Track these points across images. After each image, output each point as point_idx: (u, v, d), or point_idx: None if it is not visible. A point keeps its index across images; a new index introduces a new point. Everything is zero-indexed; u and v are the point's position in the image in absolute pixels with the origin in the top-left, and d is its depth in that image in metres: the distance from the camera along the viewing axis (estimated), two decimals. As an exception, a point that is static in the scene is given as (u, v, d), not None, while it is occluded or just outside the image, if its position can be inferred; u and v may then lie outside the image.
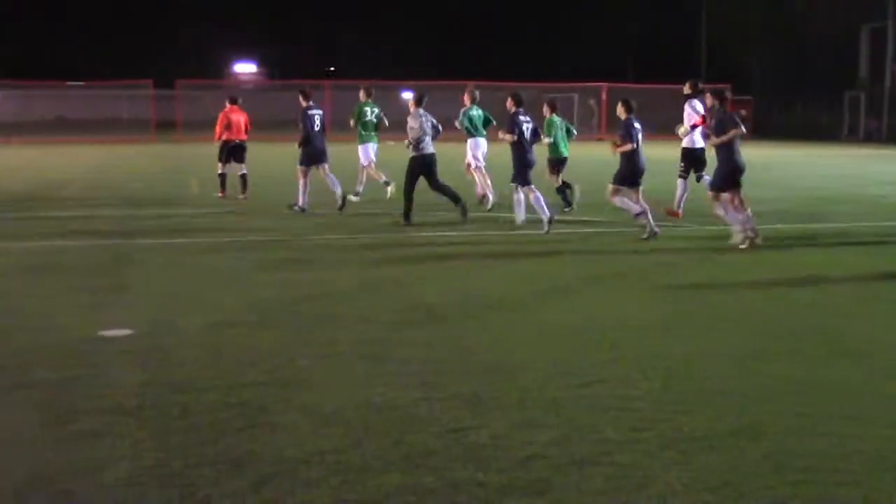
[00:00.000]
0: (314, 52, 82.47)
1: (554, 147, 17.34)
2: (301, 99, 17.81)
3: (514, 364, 7.22)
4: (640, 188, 14.22)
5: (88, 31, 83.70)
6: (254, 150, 18.15)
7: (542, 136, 15.86)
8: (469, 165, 17.94)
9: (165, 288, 10.24)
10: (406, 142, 15.67)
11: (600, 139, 48.49)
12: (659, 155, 25.89)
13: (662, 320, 8.80)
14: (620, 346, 7.80)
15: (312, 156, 17.31)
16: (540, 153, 15.81)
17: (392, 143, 24.97)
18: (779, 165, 32.80)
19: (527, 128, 14.99)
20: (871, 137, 55.64)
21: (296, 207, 17.20)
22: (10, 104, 60.73)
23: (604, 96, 52.84)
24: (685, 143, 16.18)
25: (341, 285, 10.41)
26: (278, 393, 6.47)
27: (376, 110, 18.91)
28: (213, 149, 20.09)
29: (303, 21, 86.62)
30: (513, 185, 15.20)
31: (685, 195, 16.43)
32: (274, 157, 27.90)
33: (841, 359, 7.54)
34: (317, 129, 17.37)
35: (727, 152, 13.07)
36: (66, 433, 5.69)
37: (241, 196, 19.17)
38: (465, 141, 17.97)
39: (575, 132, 17.93)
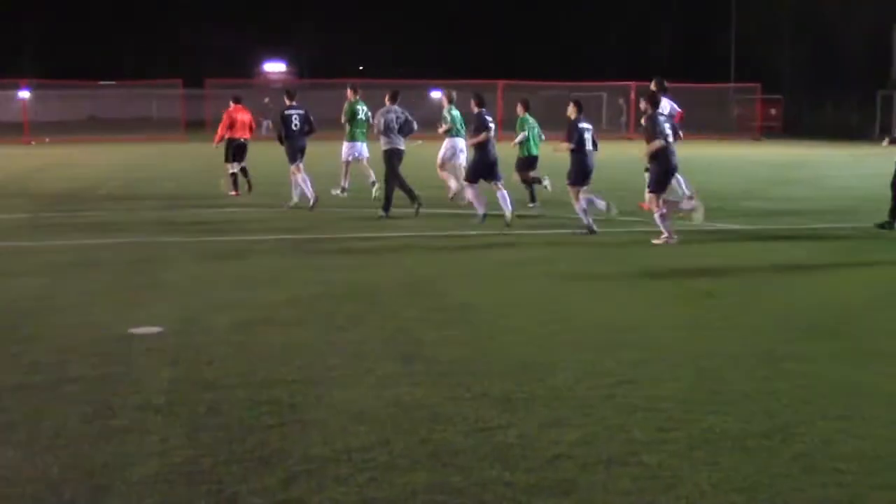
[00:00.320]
0: (343, 51, 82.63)
1: (525, 146, 17.72)
2: (285, 98, 18.51)
3: (542, 363, 7.21)
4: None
5: (119, 31, 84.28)
6: (280, 149, 18.27)
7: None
8: (443, 164, 18.05)
9: (196, 286, 10.30)
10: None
11: (629, 138, 48.30)
12: (685, 154, 25.81)
13: (692, 320, 8.77)
14: (649, 346, 7.77)
15: (294, 152, 17.83)
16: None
17: (420, 142, 25.03)
18: (811, 164, 32.60)
19: (493, 128, 15.55)
20: (904, 136, 55.04)
21: (288, 205, 17.74)
22: (44, 104, 61.31)
23: (632, 95, 52.59)
24: None
25: (371, 284, 10.43)
26: (307, 391, 6.50)
27: (366, 108, 19.03)
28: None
29: (332, 20, 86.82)
30: (493, 182, 15.46)
31: (682, 183, 16.55)
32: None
33: (875, 360, 7.48)
34: (295, 127, 17.94)
35: (659, 156, 13.52)
36: (101, 429, 5.74)
37: (232, 192, 19.72)
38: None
39: (543, 137, 18.13)
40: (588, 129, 14.51)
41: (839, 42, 60.83)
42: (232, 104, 20.28)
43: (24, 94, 53.94)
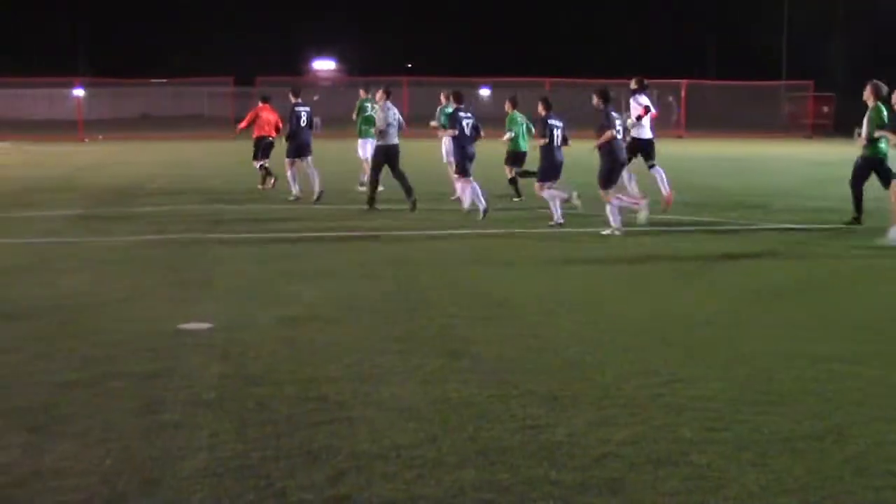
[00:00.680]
0: (393, 48, 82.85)
1: (514, 141, 18.46)
2: (290, 95, 19.11)
3: (590, 362, 7.19)
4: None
5: (171, 30, 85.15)
6: (331, 147, 18.48)
7: (482, 132, 16.73)
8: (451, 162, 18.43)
9: (244, 282, 10.38)
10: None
11: (679, 136, 47.95)
12: (738, 153, 25.76)
13: (740, 320, 8.69)
14: (698, 345, 7.71)
15: (298, 148, 18.64)
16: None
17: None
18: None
19: (467, 123, 16.10)
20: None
21: (291, 197, 18.38)
22: (98, 102, 62.20)
23: (683, 93, 52.20)
24: (634, 132, 16.95)
25: (419, 281, 10.45)
26: (355, 387, 6.52)
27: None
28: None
29: (382, 18, 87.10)
30: (456, 176, 16.26)
31: (663, 178, 16.98)
32: (352, 153, 28.04)
33: (926, 361, 7.36)
34: (303, 124, 18.76)
35: (608, 150, 14.11)
36: (150, 423, 5.81)
37: (260, 186, 20.33)
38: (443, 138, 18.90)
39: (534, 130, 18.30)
40: (558, 126, 14.98)
41: (894, 37, 59.86)
42: (260, 103, 20.97)
43: (79, 93, 54.69)
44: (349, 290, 9.93)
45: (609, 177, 14.19)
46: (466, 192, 16.09)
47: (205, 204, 18.12)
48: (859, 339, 8.03)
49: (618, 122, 14.34)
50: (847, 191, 15.27)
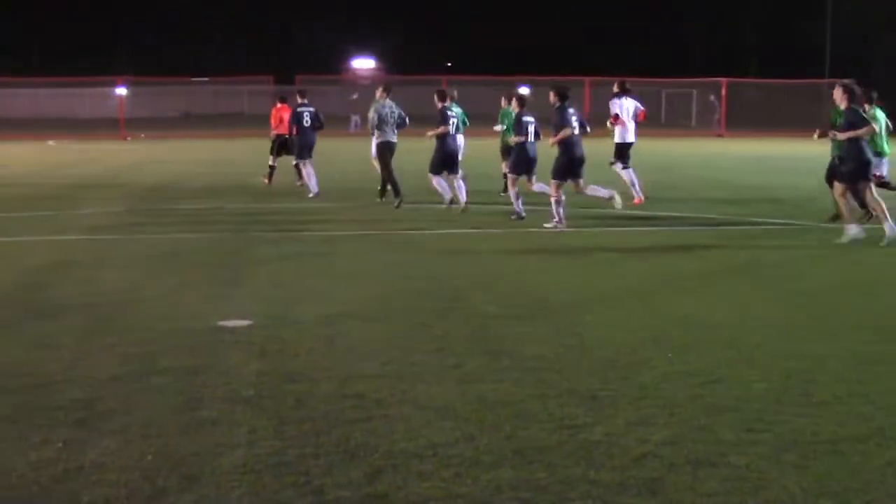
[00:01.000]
0: (432, 47, 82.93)
1: (506, 135, 18.35)
2: (297, 97, 19.94)
3: (629, 361, 7.15)
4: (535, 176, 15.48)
5: (212, 28, 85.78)
6: (368, 146, 18.53)
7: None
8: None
9: (284, 279, 10.44)
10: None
11: (720, 136, 47.59)
12: (780, 152, 25.51)
13: (782, 320, 8.61)
14: (738, 345, 7.65)
15: (304, 148, 19.16)
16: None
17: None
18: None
19: (453, 122, 16.69)
20: None
21: (311, 195, 18.72)
22: (140, 101, 62.76)
23: (723, 92, 51.80)
24: (617, 136, 17.76)
25: (456, 279, 10.45)
26: (393, 385, 6.53)
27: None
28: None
29: (421, 17, 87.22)
30: (431, 175, 16.83)
31: (635, 181, 17.57)
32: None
33: (972, 363, 7.25)
34: (306, 124, 19.20)
35: (565, 146, 14.64)
36: (190, 419, 5.85)
37: (298, 182, 20.43)
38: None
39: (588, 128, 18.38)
40: (531, 122, 15.23)
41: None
42: (278, 103, 21.69)
43: (121, 91, 55.21)
44: (386, 288, 9.95)
45: (564, 171, 14.65)
46: (447, 187, 16.61)
47: (245, 202, 18.24)
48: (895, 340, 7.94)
49: (574, 118, 14.68)
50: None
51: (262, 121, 51.68)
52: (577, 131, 14.66)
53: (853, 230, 13.01)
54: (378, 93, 17.77)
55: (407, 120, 17.77)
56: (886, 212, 13.07)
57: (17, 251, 12.43)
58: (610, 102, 18.05)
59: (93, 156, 33.16)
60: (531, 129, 15.20)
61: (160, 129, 49.14)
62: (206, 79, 64.72)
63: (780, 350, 7.51)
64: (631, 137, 17.76)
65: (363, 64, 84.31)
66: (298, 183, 20.53)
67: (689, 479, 4.97)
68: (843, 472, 5.06)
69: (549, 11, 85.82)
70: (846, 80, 14.09)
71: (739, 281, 10.67)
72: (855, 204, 13.44)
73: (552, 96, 14.87)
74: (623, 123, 17.80)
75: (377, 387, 6.50)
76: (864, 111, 14.11)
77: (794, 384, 6.60)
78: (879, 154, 14.96)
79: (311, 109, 19.43)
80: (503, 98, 18.92)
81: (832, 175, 14.53)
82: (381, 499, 4.76)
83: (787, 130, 42.25)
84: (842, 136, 13.07)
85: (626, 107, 17.80)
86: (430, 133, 16.95)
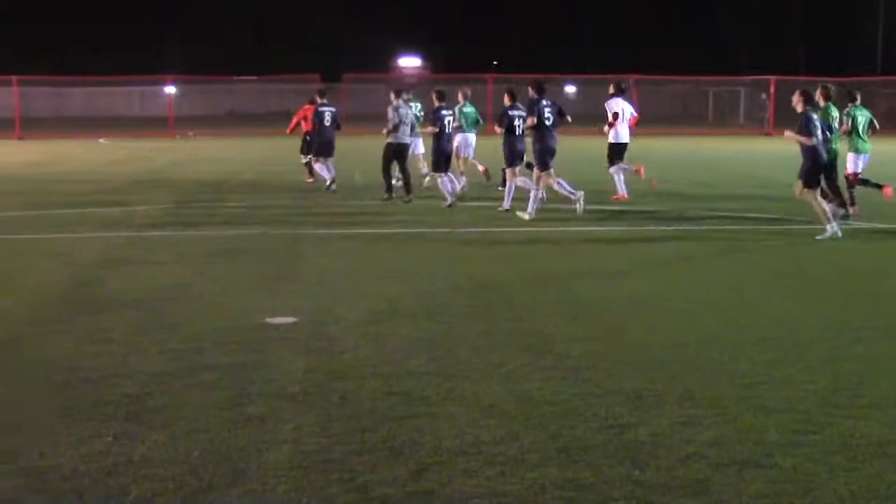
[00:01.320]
0: (479, 46, 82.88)
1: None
2: (316, 97, 20.47)
3: (676, 361, 7.11)
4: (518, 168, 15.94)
5: (259, 28, 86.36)
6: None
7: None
8: (458, 156, 19.19)
9: (329, 277, 10.49)
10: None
11: (768, 134, 47.09)
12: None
13: (830, 322, 8.51)
14: (786, 346, 7.58)
15: (323, 146, 19.74)
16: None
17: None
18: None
19: (448, 121, 17.40)
20: None
21: (332, 188, 19.41)
22: (188, 99, 63.38)
23: (772, 89, 51.23)
24: (610, 137, 18.23)
25: (502, 278, 10.45)
26: (439, 383, 6.55)
27: (419, 105, 20.42)
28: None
29: (468, 15, 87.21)
30: (434, 173, 17.45)
31: (622, 177, 18.10)
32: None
33: None
34: (327, 123, 19.76)
35: (540, 137, 15.23)
36: (237, 415, 5.91)
37: (309, 179, 21.17)
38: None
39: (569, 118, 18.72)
40: (521, 116, 15.69)
41: None
42: (307, 104, 21.85)
43: (170, 90, 55.78)
44: (432, 286, 9.97)
45: (543, 161, 15.19)
46: (447, 185, 17.04)
47: (292, 199, 18.35)
48: (955, 342, 7.82)
49: (547, 110, 15.26)
50: None
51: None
52: (549, 122, 15.21)
53: (830, 228, 13.24)
54: (392, 96, 18.11)
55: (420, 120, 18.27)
56: (829, 214, 13.41)
57: (71, 248, 12.61)
58: (606, 103, 18.48)
59: (142, 153, 33.54)
60: (519, 122, 15.69)
61: (208, 127, 49.56)
62: (253, 77, 65.17)
63: (830, 351, 7.43)
64: (625, 138, 18.27)
65: (410, 62, 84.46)
66: (309, 180, 21.04)
67: (735, 481, 4.94)
68: (893, 475, 5.01)
69: (597, 10, 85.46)
70: (828, 83, 15.52)
71: (787, 281, 10.57)
72: (824, 205, 13.63)
73: (530, 91, 15.47)
74: (616, 124, 18.22)
75: (423, 384, 6.52)
76: (843, 110, 15.38)
77: (844, 386, 6.53)
78: (858, 151, 15.92)
79: (333, 109, 20.00)
80: (505, 95, 19.03)
81: (827, 177, 14.81)
82: (425, 496, 4.79)
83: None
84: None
85: (622, 108, 18.29)
86: (425, 132, 17.61)
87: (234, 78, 65.04)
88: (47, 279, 10.43)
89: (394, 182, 18.01)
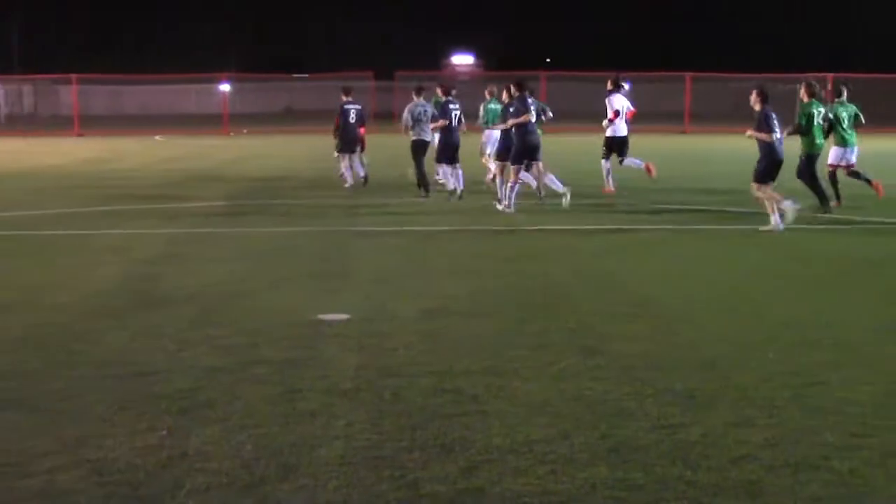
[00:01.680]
0: (532, 43, 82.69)
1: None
2: (342, 94, 20.63)
3: (729, 361, 7.05)
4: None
5: (314, 28, 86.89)
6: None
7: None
8: (482, 153, 19.91)
9: (383, 275, 10.53)
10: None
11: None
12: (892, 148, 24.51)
13: (887, 322, 8.38)
14: (843, 347, 7.47)
15: (347, 143, 20.11)
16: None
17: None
18: None
19: (455, 114, 17.85)
20: None
21: (346, 185, 19.90)
22: (243, 97, 63.95)
23: (829, 87, 50.51)
24: (608, 131, 18.79)
25: (556, 276, 10.42)
26: (489, 381, 6.55)
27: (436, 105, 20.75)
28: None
29: (522, 13, 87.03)
30: (437, 164, 18.38)
31: (609, 173, 18.75)
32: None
33: None
34: (352, 121, 20.05)
35: (520, 132, 15.74)
36: (289, 411, 5.95)
37: (340, 174, 21.09)
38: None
39: (544, 118, 18.96)
40: (456, 110, 17.40)
41: None
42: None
43: (225, 88, 56.32)
44: (484, 283, 9.97)
45: (520, 156, 15.82)
46: (450, 176, 17.84)
47: (345, 197, 18.45)
48: None
49: (532, 107, 15.97)
50: None
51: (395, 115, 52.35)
52: (533, 118, 15.88)
53: (773, 220, 13.64)
54: (414, 93, 18.74)
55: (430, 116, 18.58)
56: (777, 203, 13.71)
57: (127, 243, 12.79)
58: (607, 99, 18.99)
59: (197, 151, 33.90)
60: (455, 115, 17.13)
61: (262, 124, 49.96)
62: (306, 75, 65.61)
63: (888, 353, 7.32)
64: (623, 132, 18.77)
65: (462, 59, 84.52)
66: (340, 174, 21.24)
67: (790, 483, 4.89)
68: (952, 480, 4.92)
69: (650, 7, 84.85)
70: (812, 80, 16.35)
71: (845, 280, 10.42)
72: (774, 194, 13.91)
73: (513, 88, 16.16)
74: (632, 114, 18.95)
75: (474, 382, 6.52)
76: (827, 105, 16.26)
77: (901, 388, 6.43)
78: (843, 145, 16.47)
79: (358, 107, 20.37)
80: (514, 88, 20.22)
81: (808, 173, 15.63)
82: (475, 494, 4.79)
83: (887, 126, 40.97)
84: (749, 134, 13.93)
85: (617, 107, 18.79)
86: (433, 126, 18.14)
87: (289, 76, 65.52)
88: (105, 274, 10.59)
89: (436, 178, 18.55)
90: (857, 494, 4.75)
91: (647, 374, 6.71)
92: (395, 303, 8.97)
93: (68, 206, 16.86)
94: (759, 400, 6.16)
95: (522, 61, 61.74)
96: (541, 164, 16.39)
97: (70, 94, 52.60)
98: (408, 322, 8.25)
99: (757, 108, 13.82)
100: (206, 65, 64.05)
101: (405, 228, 14.16)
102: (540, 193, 16.97)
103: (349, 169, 20.10)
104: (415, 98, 18.51)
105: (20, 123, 55.62)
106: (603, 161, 18.89)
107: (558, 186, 16.33)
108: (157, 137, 43.13)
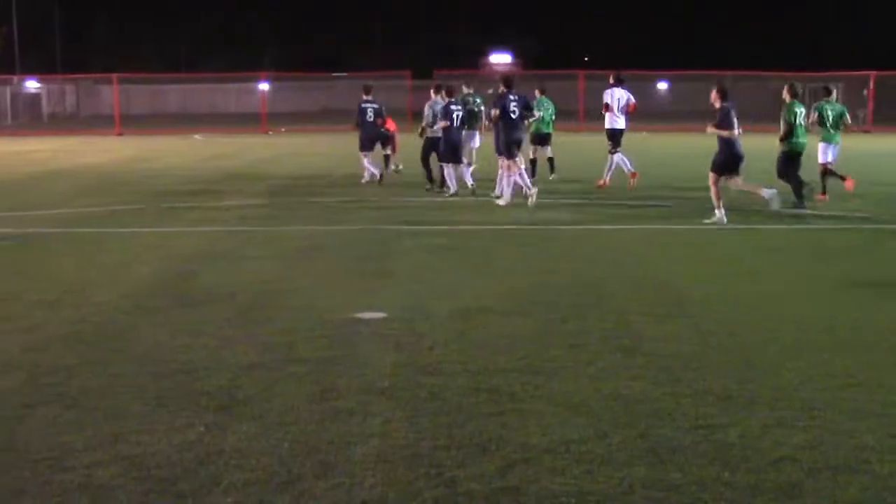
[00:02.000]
0: (570, 42, 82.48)
1: (537, 124, 20.52)
2: (362, 93, 21.18)
3: (766, 362, 6.99)
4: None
5: (354, 29, 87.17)
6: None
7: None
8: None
9: (417, 273, 10.54)
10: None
11: (867, 131, 45.97)
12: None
13: (931, 323, 8.27)
14: (881, 348, 7.39)
15: (365, 141, 20.77)
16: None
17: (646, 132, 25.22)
18: None
19: (457, 115, 18.20)
20: None
21: (363, 181, 20.68)
22: (281, 96, 64.30)
23: (871, 85, 49.96)
24: (606, 124, 19.50)
25: (592, 275, 10.38)
26: (527, 380, 6.54)
27: (478, 100, 21.33)
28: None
29: (560, 12, 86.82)
30: (442, 163, 18.57)
31: (612, 166, 19.33)
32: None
33: None
34: (369, 119, 20.70)
35: (502, 128, 16.46)
36: (326, 409, 5.98)
37: (390, 170, 21.84)
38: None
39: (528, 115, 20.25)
40: (458, 111, 18.08)
41: None
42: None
43: (264, 87, 56.64)
44: (521, 282, 9.96)
45: (508, 149, 16.47)
46: (453, 176, 18.23)
47: (381, 195, 18.48)
48: None
49: (513, 104, 16.47)
50: None
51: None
52: (515, 115, 16.48)
53: (718, 214, 14.26)
54: (433, 92, 19.32)
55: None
56: (757, 192, 14.79)
57: (168, 241, 12.90)
58: (604, 93, 19.67)
59: (235, 149, 34.10)
60: (456, 115, 17.91)
61: (300, 123, 50.18)
62: (344, 74, 65.82)
63: (929, 354, 7.23)
64: (620, 125, 19.40)
65: (500, 59, 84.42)
66: (391, 170, 21.78)
67: (829, 485, 4.84)
68: None
69: (688, 5, 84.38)
70: (794, 81, 17.15)
71: (881, 282, 10.30)
72: (746, 186, 14.83)
73: (500, 86, 16.87)
74: (612, 112, 19.39)
75: (511, 381, 6.52)
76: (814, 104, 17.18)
77: (943, 390, 6.35)
78: (826, 142, 17.46)
79: (376, 105, 20.84)
80: (536, 90, 21.10)
81: (787, 170, 16.19)
82: (512, 492, 4.79)
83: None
84: (709, 131, 14.43)
85: (616, 97, 19.42)
86: (435, 127, 18.70)
87: (327, 75, 65.78)
88: (145, 272, 10.69)
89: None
90: (897, 497, 4.70)
91: (685, 374, 6.68)
92: (431, 301, 8.98)
93: (109, 205, 17.04)
94: (798, 401, 6.11)
95: (560, 60, 61.60)
96: (520, 159, 16.83)
97: (111, 93, 53.10)
98: (444, 320, 8.26)
99: (717, 105, 14.31)
100: (245, 64, 64.49)
101: (442, 227, 14.17)
102: (470, 186, 18.02)
103: (367, 167, 20.73)
104: (434, 96, 19.10)
105: (63, 123, 56.26)
106: (614, 156, 19.37)
107: (527, 185, 16.56)
108: (196, 136, 43.45)
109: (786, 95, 16.31)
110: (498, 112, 16.46)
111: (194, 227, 14.34)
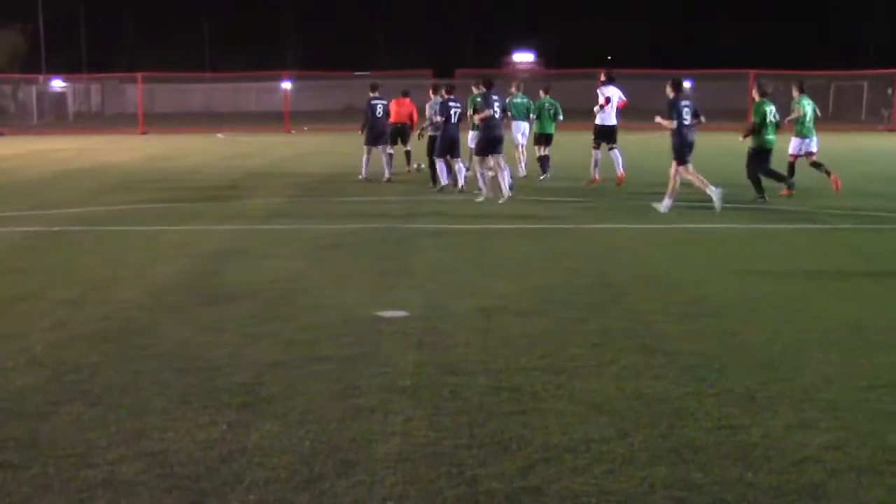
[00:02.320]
0: (592, 41, 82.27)
1: (539, 124, 21.22)
2: (369, 90, 21.79)
3: (789, 362, 6.96)
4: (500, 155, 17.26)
5: (374, 28, 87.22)
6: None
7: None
8: (515, 146, 21.28)
9: (442, 272, 10.55)
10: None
11: (891, 130, 45.64)
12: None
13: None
14: (908, 349, 7.34)
15: (373, 137, 21.31)
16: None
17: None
18: None
19: (454, 112, 18.37)
20: None
21: (360, 178, 21.08)
22: (303, 94, 64.44)
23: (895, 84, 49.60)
24: (597, 120, 19.79)
25: (615, 275, 10.36)
26: (549, 379, 6.54)
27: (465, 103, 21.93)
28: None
29: (583, 11, 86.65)
30: (436, 157, 18.90)
31: (619, 161, 19.65)
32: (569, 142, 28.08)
33: None
34: (379, 115, 21.31)
35: (485, 127, 17.07)
36: (348, 407, 5.99)
37: (406, 169, 22.55)
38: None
39: (561, 117, 21.33)
40: (457, 109, 18.26)
41: None
42: (401, 96, 22.98)
43: (286, 86, 56.78)
44: (543, 282, 9.95)
45: (484, 148, 17.11)
46: (446, 172, 18.67)
47: (404, 194, 18.51)
48: None
49: (496, 104, 17.11)
50: None
51: (421, 114, 52.49)
52: (497, 114, 17.09)
53: (666, 203, 15.19)
54: (443, 92, 19.34)
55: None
56: (705, 182, 15.29)
57: (191, 239, 12.96)
58: (598, 90, 19.99)
59: (258, 148, 34.21)
60: (454, 113, 18.20)
61: (323, 122, 50.27)
62: (367, 73, 65.89)
63: (954, 355, 7.17)
64: (611, 121, 19.67)
65: (523, 57, 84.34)
66: (410, 169, 22.38)
67: (853, 487, 4.82)
68: None
69: (710, 5, 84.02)
70: (762, 80, 18.00)
71: (911, 282, 10.23)
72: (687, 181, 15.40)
73: (481, 86, 17.40)
74: (623, 105, 19.91)
75: (532, 380, 6.51)
76: (792, 101, 17.71)
77: (969, 391, 6.30)
78: (807, 135, 17.81)
79: (384, 102, 21.44)
80: (541, 91, 21.67)
81: (756, 166, 16.82)
82: (533, 492, 4.78)
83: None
84: (657, 120, 15.52)
85: (608, 94, 19.73)
86: (426, 123, 19.50)
87: (350, 74, 65.86)
88: (168, 270, 10.74)
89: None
90: (922, 499, 4.67)
91: (708, 374, 6.65)
92: (452, 300, 8.98)
93: (133, 203, 17.13)
94: (822, 402, 6.08)
95: (583, 59, 61.46)
96: (501, 158, 17.13)
97: (136, 92, 53.38)
98: (466, 319, 8.26)
99: (671, 96, 15.20)
100: (268, 63, 64.68)
101: (463, 226, 14.17)
102: (458, 185, 18.49)
103: (367, 164, 21.13)
104: (444, 96, 19.18)
105: (88, 122, 56.61)
106: (593, 151, 19.77)
107: (505, 186, 16.96)
108: (219, 135, 43.62)
109: (755, 94, 17.03)
110: (488, 112, 16.88)
111: (217, 225, 14.40)
